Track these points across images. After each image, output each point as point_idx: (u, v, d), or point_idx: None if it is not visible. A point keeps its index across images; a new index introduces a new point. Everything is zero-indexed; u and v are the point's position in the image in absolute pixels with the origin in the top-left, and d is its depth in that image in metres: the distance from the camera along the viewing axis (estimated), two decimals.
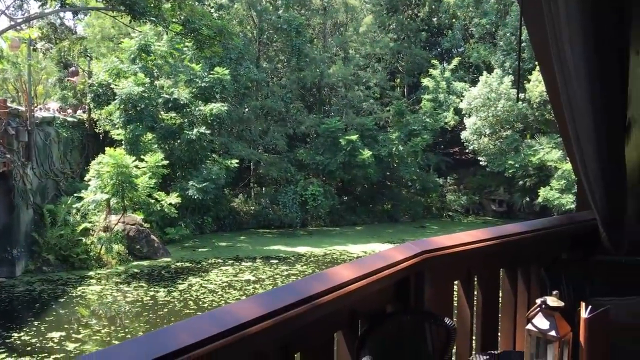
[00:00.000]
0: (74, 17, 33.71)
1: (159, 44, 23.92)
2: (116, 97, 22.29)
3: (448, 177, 30.46)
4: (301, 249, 20.63)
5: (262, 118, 27.47)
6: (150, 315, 13.36)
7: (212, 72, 23.97)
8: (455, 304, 2.88)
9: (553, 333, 2.30)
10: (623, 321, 2.79)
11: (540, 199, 25.12)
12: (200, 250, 20.35)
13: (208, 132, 22.98)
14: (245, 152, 25.30)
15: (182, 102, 22.99)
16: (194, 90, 23.82)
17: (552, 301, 2.34)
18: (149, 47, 23.30)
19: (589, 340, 2.35)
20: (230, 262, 18.56)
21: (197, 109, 23.28)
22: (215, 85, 23.94)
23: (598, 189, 3.16)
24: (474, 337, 2.94)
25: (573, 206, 22.13)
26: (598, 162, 3.13)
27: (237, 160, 24.25)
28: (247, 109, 26.49)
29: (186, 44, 23.95)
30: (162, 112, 23.20)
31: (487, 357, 2.61)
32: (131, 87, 21.95)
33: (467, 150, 29.09)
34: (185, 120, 23.11)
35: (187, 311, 13.57)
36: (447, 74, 29.87)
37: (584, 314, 2.39)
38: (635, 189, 3.29)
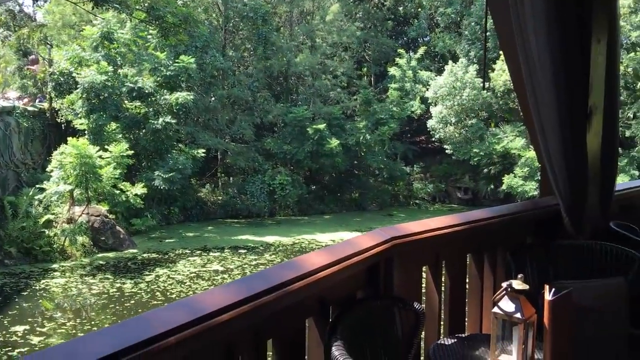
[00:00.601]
0: (33, 3, 32.77)
1: (122, 31, 23.43)
2: (78, 85, 21.77)
3: (415, 166, 30.75)
4: (269, 239, 20.60)
5: (228, 107, 27.21)
6: (117, 307, 13.20)
7: (177, 60, 23.61)
8: (424, 289, 2.93)
9: (518, 315, 2.36)
10: (586, 303, 2.88)
11: (504, 186, 25.59)
12: (167, 241, 20.15)
13: (174, 121, 22.67)
14: (212, 141, 25.05)
15: (146, 91, 22.60)
16: (158, 79, 23.44)
17: (517, 284, 2.41)
18: (111, 35, 22.81)
19: (553, 322, 2.42)
20: (197, 252, 18.43)
21: (162, 98, 22.92)
22: (180, 74, 23.59)
23: (561, 175, 3.25)
24: (442, 321, 3.00)
25: (536, 193, 22.63)
26: (561, 149, 3.21)
27: (204, 150, 24.01)
28: (213, 98, 26.19)
29: (150, 31, 23.51)
30: (126, 101, 22.78)
31: (455, 340, 2.67)
32: (94, 76, 21.47)
33: (433, 139, 29.37)
34: (151, 109, 22.74)
35: (155, 302, 13.45)
36: (414, 63, 30.04)
37: (548, 296, 2.46)
38: (596, 175, 3.39)
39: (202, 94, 25.51)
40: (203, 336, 1.60)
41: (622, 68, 24.04)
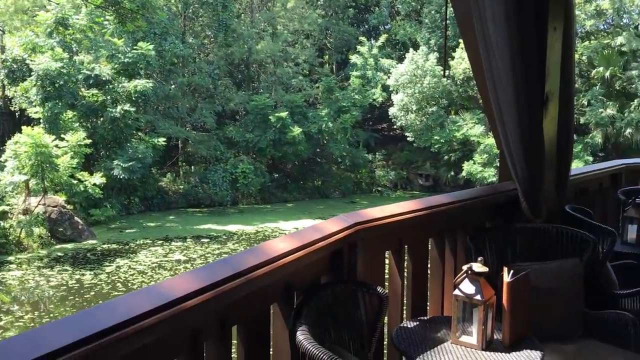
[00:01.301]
0: None
1: (77, 17, 22.76)
2: (32, 73, 21.12)
3: (377, 153, 30.96)
4: (232, 227, 20.50)
5: (189, 95, 26.84)
6: (77, 299, 12.96)
7: (135, 47, 23.12)
8: (387, 274, 2.97)
9: (478, 297, 2.42)
10: (543, 284, 2.97)
11: (464, 173, 26.03)
12: (127, 231, 19.83)
13: (133, 109, 22.22)
14: (172, 130, 24.68)
15: (104, 79, 22.09)
16: (116, 66, 22.92)
17: (477, 267, 2.46)
18: (66, 21, 22.14)
19: (511, 302, 2.49)
20: (159, 242, 18.21)
21: (120, 85, 22.43)
22: (139, 61, 23.11)
23: (519, 160, 3.33)
24: (404, 304, 3.05)
25: (494, 179, 23.08)
26: (519, 135, 3.29)
27: (165, 139, 23.65)
28: (173, 86, 25.78)
29: (107, 17, 22.96)
30: (82, 89, 22.22)
31: (417, 322, 2.72)
32: (48, 63, 20.85)
33: (394, 127, 29.61)
34: (108, 97, 22.23)
35: (116, 293, 13.26)
36: (375, 50, 30.14)
37: (507, 278, 2.53)
38: (552, 160, 3.48)
39: (161, 82, 25.09)
40: (167, 323, 1.59)
41: (577, 56, 24.66)
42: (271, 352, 2.27)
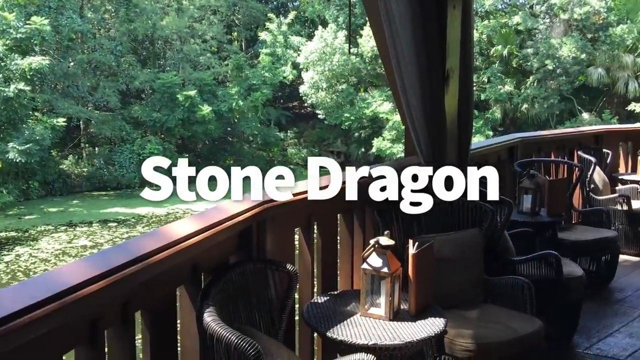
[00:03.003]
0: None
1: None
2: None
3: (289, 131, 30.95)
4: (141, 210, 19.87)
5: (90, 73, 25.52)
6: None
7: (28, 22, 21.64)
8: (297, 251, 2.97)
9: (385, 270, 2.48)
10: (446, 254, 3.09)
11: (374, 149, 26.61)
12: (27, 217, 18.75)
13: (28, 88, 20.85)
14: (73, 109, 23.41)
15: None
16: (8, 42, 21.36)
17: (384, 240, 2.52)
18: None
19: (416, 273, 2.57)
20: (62, 228, 17.38)
21: (13, 63, 20.96)
22: (33, 37, 21.66)
23: (422, 135, 3.42)
24: (315, 281, 3.07)
25: (403, 155, 23.76)
26: (422, 111, 3.38)
27: (64, 119, 22.39)
28: (72, 63, 24.40)
29: None
30: None
31: (328, 297, 2.75)
32: None
33: (305, 104, 29.69)
34: (0, 75, 20.75)
35: (16, 283, 12.55)
36: (284, 28, 29.91)
37: (412, 250, 2.60)
38: (454, 134, 3.60)
39: (59, 59, 23.67)
40: (62, 313, 1.50)
41: (477, 35, 25.69)
42: (178, 337, 2.22)
